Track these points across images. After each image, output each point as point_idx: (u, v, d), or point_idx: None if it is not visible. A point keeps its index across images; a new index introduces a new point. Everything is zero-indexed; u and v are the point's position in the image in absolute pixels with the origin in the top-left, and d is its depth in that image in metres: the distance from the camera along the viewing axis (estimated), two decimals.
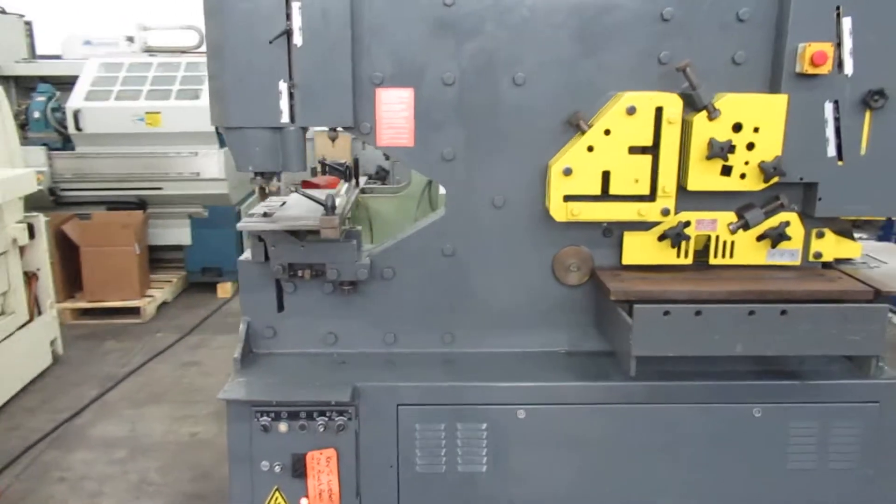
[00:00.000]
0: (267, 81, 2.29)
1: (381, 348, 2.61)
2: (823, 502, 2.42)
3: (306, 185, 4.98)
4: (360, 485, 2.40)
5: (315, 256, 2.47)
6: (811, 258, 2.48)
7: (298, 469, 2.38)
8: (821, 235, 2.46)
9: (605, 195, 2.36)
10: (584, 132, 2.33)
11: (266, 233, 2.43)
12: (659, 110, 2.29)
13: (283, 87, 2.30)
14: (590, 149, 2.33)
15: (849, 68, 2.28)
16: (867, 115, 2.32)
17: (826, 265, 2.50)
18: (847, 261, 2.53)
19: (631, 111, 2.28)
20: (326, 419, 2.36)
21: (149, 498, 3.30)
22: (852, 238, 2.52)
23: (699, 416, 2.39)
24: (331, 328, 2.60)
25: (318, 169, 5.31)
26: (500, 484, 2.42)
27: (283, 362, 2.55)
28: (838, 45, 2.27)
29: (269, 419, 2.36)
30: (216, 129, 5.25)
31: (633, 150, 2.32)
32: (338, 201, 2.69)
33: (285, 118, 2.32)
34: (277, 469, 2.38)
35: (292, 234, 2.45)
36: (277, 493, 2.41)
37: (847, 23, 2.26)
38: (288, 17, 2.24)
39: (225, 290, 6.05)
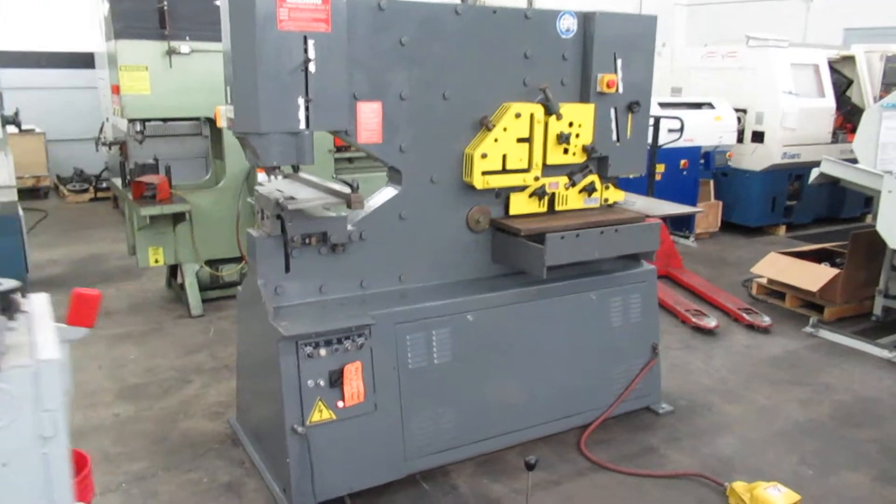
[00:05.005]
0: (290, 98, 3.09)
1: (358, 291, 3.55)
2: (631, 340, 4.12)
3: (136, 183, 5.34)
4: (375, 383, 3.36)
5: (320, 226, 3.33)
6: (603, 202, 4.11)
7: (335, 381, 3.25)
8: (607, 188, 4.10)
9: (503, 170, 3.66)
10: (490, 130, 3.60)
11: (287, 211, 3.20)
12: (532, 115, 3.67)
13: (301, 101, 3.12)
14: (495, 140, 3.61)
15: (621, 89, 3.93)
16: (630, 116, 4.01)
17: (609, 205, 4.16)
18: (616, 202, 4.23)
19: (518, 115, 3.62)
20: (352, 341, 3.27)
21: (128, 464, 3.65)
22: (619, 188, 4.23)
23: (566, 303, 3.89)
24: (323, 281, 3.46)
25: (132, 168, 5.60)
26: (461, 367, 3.60)
27: (298, 310, 3.34)
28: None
29: (312, 348, 3.19)
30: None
31: (519, 140, 3.67)
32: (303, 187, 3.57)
33: (302, 125, 3.15)
34: (321, 383, 3.22)
35: (304, 210, 3.27)
36: (320, 402, 3.24)
37: (619, 63, 3.89)
38: (305, 50, 3.08)
39: None
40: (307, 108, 3.13)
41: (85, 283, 6.42)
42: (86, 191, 10.50)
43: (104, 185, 10.47)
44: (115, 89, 5.37)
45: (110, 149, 7.49)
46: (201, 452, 3.75)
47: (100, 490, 3.39)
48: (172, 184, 5.67)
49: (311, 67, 3.10)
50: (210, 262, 5.91)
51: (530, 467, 2.74)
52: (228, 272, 5.97)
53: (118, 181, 6.06)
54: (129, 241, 5.93)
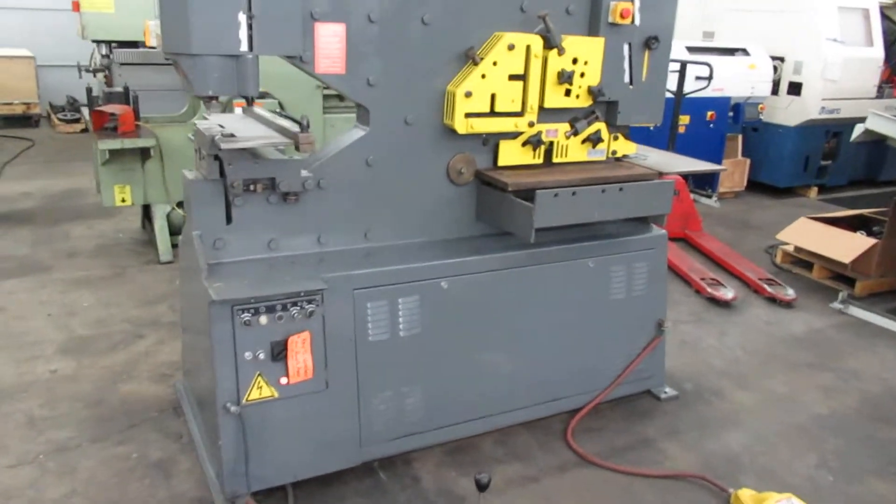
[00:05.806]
0: (228, 13, 2.53)
1: (315, 248, 3.05)
2: (633, 315, 3.60)
3: (96, 112, 4.83)
4: (327, 357, 2.89)
5: (267, 171, 2.81)
6: (610, 154, 3.54)
7: (278, 353, 2.78)
8: (616, 138, 3.53)
9: (492, 112, 3.10)
10: (477, 64, 3.02)
11: (225, 152, 2.69)
12: (528, 47, 3.08)
13: (242, 18, 2.57)
14: (483, 76, 3.03)
15: (638, 21, 3.31)
16: (646, 54, 3.40)
17: (618, 159, 3.59)
18: (626, 156, 3.66)
19: (511, 48, 3.03)
20: (299, 308, 2.79)
21: (53, 431, 3.24)
22: (630, 140, 3.64)
23: (559, 270, 3.36)
24: (272, 235, 2.95)
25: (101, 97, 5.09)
26: (432, 340, 3.11)
27: (240, 268, 2.85)
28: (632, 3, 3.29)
29: (250, 315, 2.71)
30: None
31: (512, 77, 3.09)
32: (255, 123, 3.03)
33: (244, 47, 2.60)
34: (261, 356, 2.75)
35: (248, 151, 2.75)
36: (259, 378, 2.78)
37: None
38: None
39: None
40: (250, 27, 2.58)
41: (54, 220, 6.00)
42: (77, 120, 10.02)
43: None
44: (76, 6, 4.83)
45: (95, 76, 6.99)
46: (137, 422, 3.33)
47: (13, 461, 3.00)
48: (141, 116, 5.15)
49: None
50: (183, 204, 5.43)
51: (482, 487, 2.26)
52: None
53: (87, 111, 5.59)
54: (96, 178, 5.46)
